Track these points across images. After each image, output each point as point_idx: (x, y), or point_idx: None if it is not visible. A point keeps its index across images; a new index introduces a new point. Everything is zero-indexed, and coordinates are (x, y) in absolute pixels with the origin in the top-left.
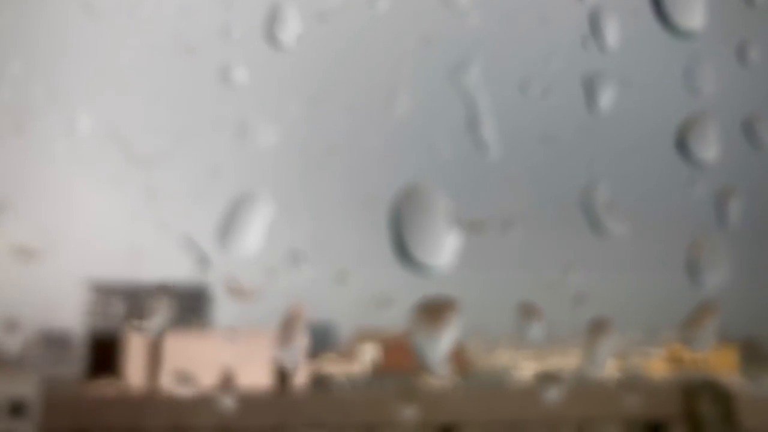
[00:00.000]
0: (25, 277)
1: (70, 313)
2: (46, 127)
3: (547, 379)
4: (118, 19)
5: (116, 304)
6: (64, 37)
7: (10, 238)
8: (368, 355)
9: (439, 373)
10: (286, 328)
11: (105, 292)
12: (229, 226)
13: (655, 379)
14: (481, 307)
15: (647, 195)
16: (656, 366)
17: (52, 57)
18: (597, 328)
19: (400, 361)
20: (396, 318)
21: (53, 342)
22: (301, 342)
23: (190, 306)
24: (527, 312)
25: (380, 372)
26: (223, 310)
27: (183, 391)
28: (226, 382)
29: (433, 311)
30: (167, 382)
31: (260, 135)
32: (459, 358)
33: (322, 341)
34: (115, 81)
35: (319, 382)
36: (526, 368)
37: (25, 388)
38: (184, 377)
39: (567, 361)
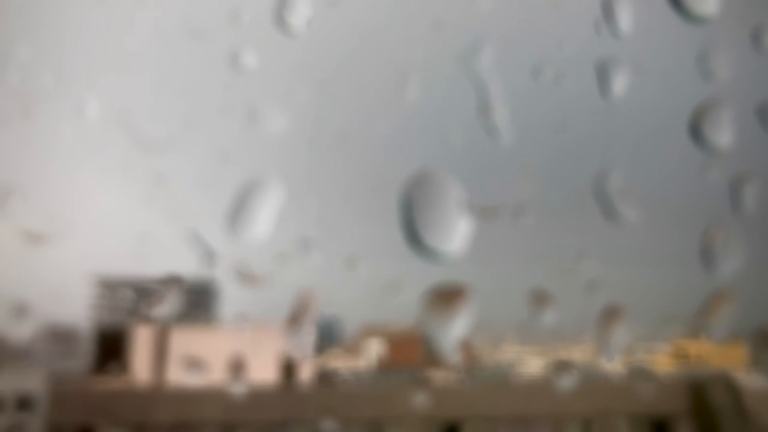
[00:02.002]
0: (34, 262)
1: (77, 304)
2: (54, 112)
3: (560, 367)
4: (127, 3)
5: (123, 298)
6: (73, 22)
7: (18, 223)
8: (374, 350)
9: (450, 361)
10: (297, 314)
11: (111, 286)
12: (238, 212)
13: (662, 374)
14: (492, 295)
15: (661, 181)
16: (662, 361)
17: (60, 42)
18: (610, 315)
19: (406, 355)
20: (406, 305)
21: (60, 336)
22: (311, 329)
23: (197, 300)
24: (539, 299)
25: (386, 367)
26: (230, 302)
27: (191, 380)
28: (237, 369)
29: (445, 298)
30: (175, 371)
31: (270, 121)
32: (464, 353)
33: (327, 336)
34: (124, 66)
35: (325, 377)
36: (531, 364)
37: (32, 382)
38: (192, 363)
39: (573, 356)
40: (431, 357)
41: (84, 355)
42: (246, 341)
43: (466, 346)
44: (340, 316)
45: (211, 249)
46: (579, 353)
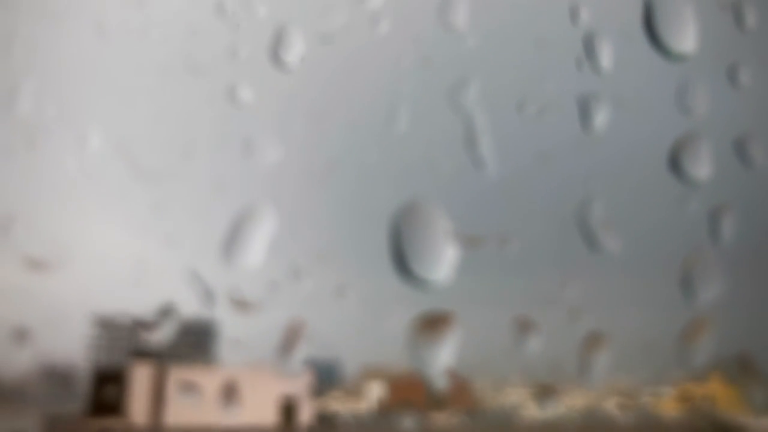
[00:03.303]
0: (34, 289)
1: (75, 336)
2: (58, 143)
3: (544, 392)
4: (130, 40)
5: (120, 338)
6: (78, 56)
7: (20, 250)
8: (374, 392)
9: (439, 386)
10: (287, 340)
11: (109, 326)
12: (232, 240)
13: (668, 419)
14: (478, 322)
15: (642, 212)
16: (668, 405)
17: (66, 75)
18: (592, 342)
19: (407, 397)
20: (395, 332)
21: (56, 376)
22: (301, 353)
23: (196, 340)
24: (523, 326)
25: (387, 409)
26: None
27: (187, 401)
28: (235, 409)
29: (431, 325)
30: (173, 412)
31: (264, 152)
32: (466, 396)
33: (327, 378)
34: (126, 99)
35: (326, 420)
36: (533, 407)
37: (27, 423)
38: (188, 386)
39: (575, 401)
40: (433, 399)
41: (80, 396)
42: (245, 382)
43: (467, 389)
44: (340, 359)
45: (210, 289)
46: (582, 398)
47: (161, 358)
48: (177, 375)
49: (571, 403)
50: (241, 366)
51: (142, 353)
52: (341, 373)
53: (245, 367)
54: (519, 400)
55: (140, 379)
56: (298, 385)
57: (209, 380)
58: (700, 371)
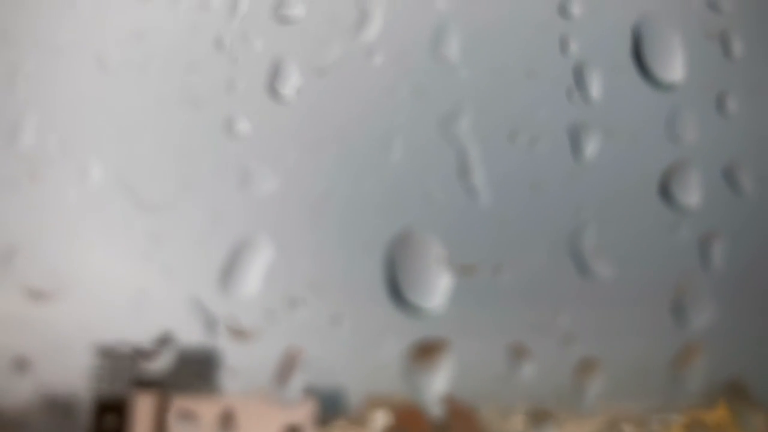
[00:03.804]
0: (36, 319)
1: (76, 366)
2: (60, 176)
3: (541, 418)
4: (130, 74)
5: (122, 369)
6: (80, 91)
7: (22, 280)
8: (379, 421)
9: (435, 413)
10: (284, 368)
11: (111, 356)
12: (229, 270)
13: None
14: (472, 348)
15: (633, 239)
16: None
17: (67, 109)
18: (586, 367)
19: (412, 426)
20: (389, 359)
21: (57, 406)
22: (298, 381)
23: (198, 370)
24: (517, 353)
25: None
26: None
27: (187, 431)
28: (229, 424)
29: (424, 352)
30: (172, 421)
31: (261, 182)
32: (471, 424)
33: (332, 408)
34: (126, 132)
35: None
36: None
37: None
38: (187, 415)
39: (582, 428)
40: (438, 428)
41: (81, 425)
42: (246, 411)
43: (472, 416)
44: (345, 388)
45: (213, 318)
46: (590, 426)
47: (163, 388)
48: (177, 404)
49: (577, 431)
50: (239, 394)
51: (144, 383)
52: (345, 402)
53: (245, 396)
54: (525, 428)
55: (142, 408)
56: (302, 414)
57: (208, 409)
58: (709, 398)
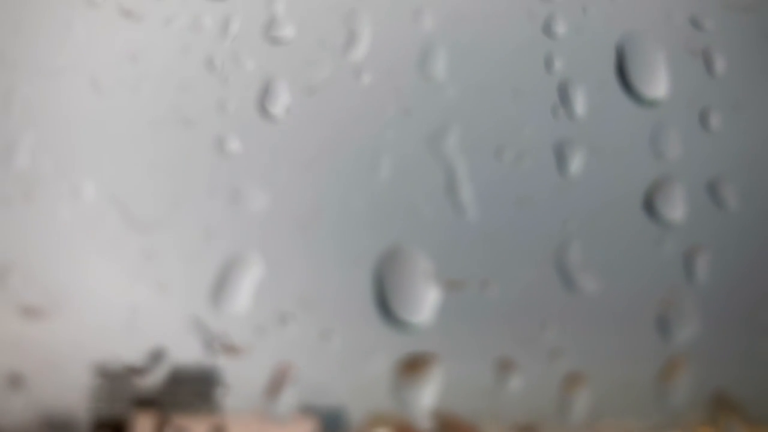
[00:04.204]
0: (30, 336)
1: (73, 384)
2: (54, 194)
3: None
4: (123, 94)
5: (121, 388)
6: (74, 111)
7: (17, 298)
8: None
9: (424, 427)
10: (274, 384)
11: (109, 376)
12: (221, 286)
13: None
14: (461, 362)
15: (618, 254)
16: None
17: (62, 130)
18: (572, 381)
19: None
20: (378, 373)
21: (55, 426)
22: (289, 397)
23: (198, 390)
24: (504, 366)
25: None
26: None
27: None
28: None
29: (411, 367)
30: None
31: (251, 200)
32: None
33: (333, 427)
34: (119, 152)
35: None
36: None
37: None
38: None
39: None
40: None
41: None
42: (247, 430)
43: None
44: (345, 407)
45: (214, 337)
46: None
47: (162, 407)
48: (173, 423)
49: None
50: (236, 412)
51: (144, 402)
52: (346, 421)
53: (242, 414)
54: None
55: (141, 428)
56: None
57: (203, 427)
58: (711, 413)
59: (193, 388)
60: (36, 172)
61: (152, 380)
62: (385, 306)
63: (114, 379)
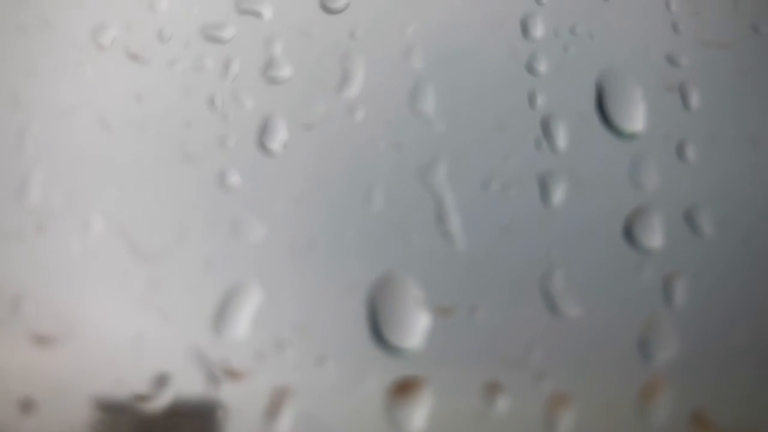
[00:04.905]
0: (41, 362)
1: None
2: (64, 228)
3: None
4: (129, 132)
5: (124, 423)
6: (83, 149)
7: (28, 326)
8: None
9: None
10: (271, 407)
11: (112, 410)
12: (221, 314)
13: None
14: (450, 384)
15: (600, 279)
16: None
17: (71, 166)
18: (557, 402)
19: None
20: (370, 396)
21: None
22: (287, 421)
23: (201, 425)
24: (492, 389)
25: None
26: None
27: None
28: None
29: (401, 390)
30: None
31: (251, 231)
32: None
33: None
34: (125, 186)
35: None
36: None
37: None
38: None
39: None
40: None
41: None
42: None
43: None
44: (339, 428)
45: (215, 370)
46: None
47: None
48: None
49: None
50: None
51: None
52: None
53: None
54: None
55: None
56: None
57: None
58: (689, 431)
59: (197, 422)
60: (47, 206)
61: (157, 406)
62: (377, 332)
63: (115, 412)
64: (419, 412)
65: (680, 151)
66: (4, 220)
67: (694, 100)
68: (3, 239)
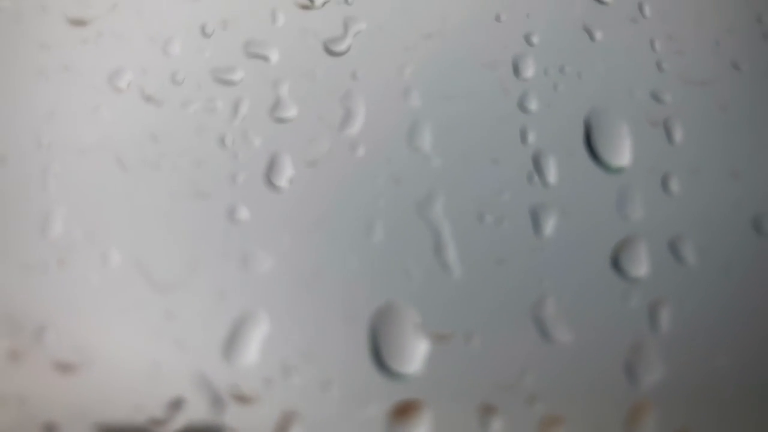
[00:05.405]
0: (63, 388)
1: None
2: (84, 261)
3: None
4: (145, 170)
5: None
6: (101, 186)
7: (51, 354)
8: None
9: None
10: (279, 430)
11: None
12: (232, 341)
13: None
14: (447, 407)
15: (589, 307)
16: None
17: (91, 203)
18: (549, 423)
19: None
20: (373, 419)
21: None
22: None
23: None
24: (486, 411)
25: None
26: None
27: None
28: None
29: (401, 412)
30: None
31: (259, 263)
32: None
33: None
34: (141, 222)
35: None
36: None
37: None
38: None
39: None
40: None
41: None
42: None
43: None
44: None
45: (219, 394)
46: None
47: None
48: None
49: None
50: None
51: None
52: None
53: None
54: None
55: None
56: None
57: None
58: None
59: None
60: (68, 240)
61: (172, 429)
62: (379, 357)
63: None
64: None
65: (665, 183)
66: (28, 254)
67: (678, 135)
68: (27, 272)
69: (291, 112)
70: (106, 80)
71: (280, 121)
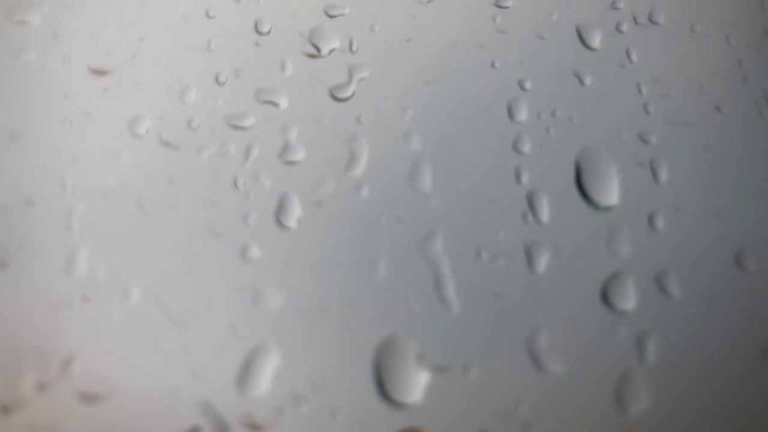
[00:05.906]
0: (88, 417)
1: None
2: (107, 298)
3: None
4: (163, 212)
5: None
6: (122, 227)
7: (77, 385)
8: None
9: None
10: None
11: None
12: (244, 373)
13: None
14: None
15: (579, 339)
16: None
17: (112, 243)
18: None
19: None
20: None
21: None
22: None
23: None
24: None
25: None
26: None
27: None
28: None
29: None
30: None
31: (269, 299)
32: None
33: None
34: (160, 261)
35: None
36: None
37: None
38: None
39: None
40: None
41: None
42: None
43: None
44: None
45: (232, 423)
46: None
47: None
48: None
49: None
50: None
51: None
52: None
53: None
54: None
55: None
56: None
57: None
58: None
59: None
60: (92, 279)
61: None
62: (382, 388)
63: None
64: None
65: (651, 221)
66: (54, 292)
67: (663, 174)
68: (54, 308)
69: (299, 155)
70: (125, 127)
71: (289, 163)
